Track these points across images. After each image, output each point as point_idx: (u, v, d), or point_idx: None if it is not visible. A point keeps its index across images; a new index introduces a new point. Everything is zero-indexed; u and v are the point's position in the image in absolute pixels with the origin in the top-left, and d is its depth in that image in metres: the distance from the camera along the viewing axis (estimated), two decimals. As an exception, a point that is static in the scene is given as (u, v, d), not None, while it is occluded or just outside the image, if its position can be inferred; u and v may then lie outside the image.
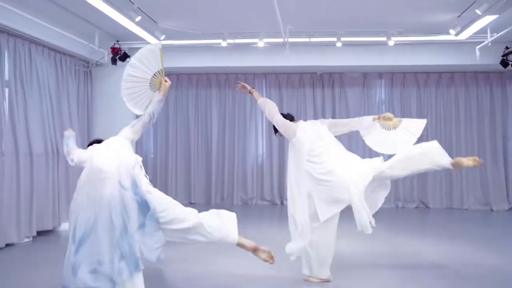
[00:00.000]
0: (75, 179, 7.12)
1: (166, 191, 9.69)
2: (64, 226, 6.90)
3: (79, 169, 7.26)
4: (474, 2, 5.88)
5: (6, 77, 5.92)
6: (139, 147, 9.48)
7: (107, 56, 8.00)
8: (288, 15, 6.50)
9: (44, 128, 6.59)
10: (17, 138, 5.95)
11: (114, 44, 8.07)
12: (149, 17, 6.69)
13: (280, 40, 7.61)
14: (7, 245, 5.74)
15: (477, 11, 5.74)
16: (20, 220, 5.96)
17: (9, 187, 5.81)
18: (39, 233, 6.39)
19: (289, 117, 4.46)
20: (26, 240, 6.08)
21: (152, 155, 9.79)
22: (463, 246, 5.87)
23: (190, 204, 9.50)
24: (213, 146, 9.57)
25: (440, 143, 8.87)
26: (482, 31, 7.08)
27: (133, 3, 6.03)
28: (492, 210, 8.87)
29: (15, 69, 6.06)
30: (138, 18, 6.21)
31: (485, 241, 6.30)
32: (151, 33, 7.38)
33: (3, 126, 5.73)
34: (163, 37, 7.26)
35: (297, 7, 6.30)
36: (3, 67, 5.85)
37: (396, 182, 9.22)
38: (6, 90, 5.88)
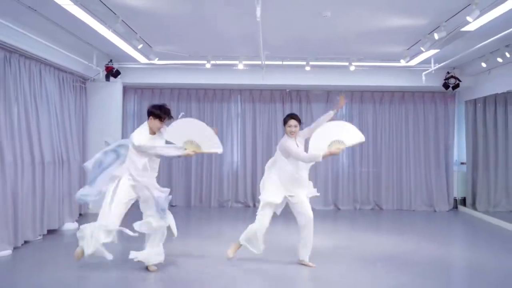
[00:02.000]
0: (75, 184, 8.08)
1: (149, 194, 10.57)
2: (67, 226, 7.77)
3: (79, 175, 8.18)
4: (419, 40, 7.19)
5: (23, 94, 6.74)
6: (124, 154, 10.37)
7: (101, 73, 8.91)
8: (266, 43, 7.57)
9: (52, 139, 7.43)
10: (33, 148, 6.80)
11: (108, 63, 8.99)
12: (147, 43, 7.66)
13: (257, 62, 8.73)
14: (25, 242, 6.59)
15: (421, 48, 7.04)
16: (35, 220, 6.82)
17: (27, 191, 6.63)
18: (48, 231, 7.25)
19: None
20: (39, 237, 6.94)
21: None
22: (410, 240, 7.14)
23: (171, 206, 10.44)
24: (193, 154, 10.56)
25: (392, 152, 10.30)
26: (427, 60, 8.44)
27: (136, 32, 7.01)
28: (435, 211, 10.27)
29: (30, 87, 6.90)
30: (140, 46, 7.19)
31: (428, 236, 7.63)
32: (145, 55, 8.35)
33: (22, 138, 6.58)
34: (156, 59, 8.26)
35: (274, 37, 7.38)
36: (23, 85, 6.69)
37: (354, 187, 10.53)
38: (23, 106, 6.71)
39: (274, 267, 5.48)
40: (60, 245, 6.83)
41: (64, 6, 5.57)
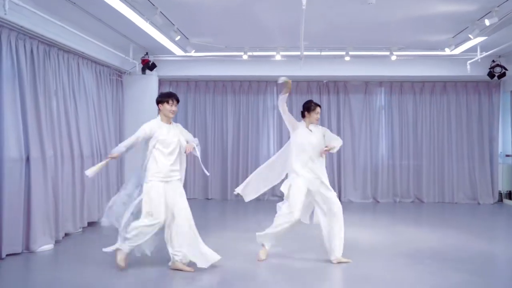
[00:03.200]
0: (113, 177, 8.10)
1: (185, 188, 10.57)
2: (107, 219, 7.79)
3: (116, 168, 8.19)
4: (467, 27, 6.87)
5: (62, 88, 6.73)
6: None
7: (137, 66, 8.87)
8: (306, 32, 7.31)
9: (90, 132, 7.44)
10: (72, 142, 6.80)
11: (144, 55, 8.95)
12: (184, 35, 7.56)
13: (295, 53, 8.53)
14: (66, 234, 6.60)
15: (470, 35, 6.73)
16: (76, 213, 6.85)
17: (67, 185, 6.65)
18: (89, 224, 7.28)
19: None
20: (79, 230, 6.96)
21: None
22: (455, 234, 6.87)
23: (207, 199, 10.44)
24: (229, 147, 10.48)
25: (433, 144, 9.99)
26: (472, 49, 8.10)
27: (173, 24, 6.91)
28: (479, 204, 9.94)
29: (68, 81, 6.90)
30: (178, 38, 7.10)
31: (474, 230, 7.34)
32: (182, 47, 8.26)
33: (62, 132, 6.58)
34: (193, 51, 8.15)
35: (315, 26, 7.14)
36: (62, 79, 6.68)
37: (394, 180, 10.27)
38: (62, 99, 6.70)
39: (311, 264, 5.31)
40: (100, 237, 6.80)
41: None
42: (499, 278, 5.06)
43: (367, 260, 5.39)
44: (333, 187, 10.10)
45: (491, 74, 8.96)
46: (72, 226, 6.77)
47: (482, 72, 9.06)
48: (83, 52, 7.21)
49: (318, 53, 8.70)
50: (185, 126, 10.47)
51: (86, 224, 7.17)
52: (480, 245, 6.23)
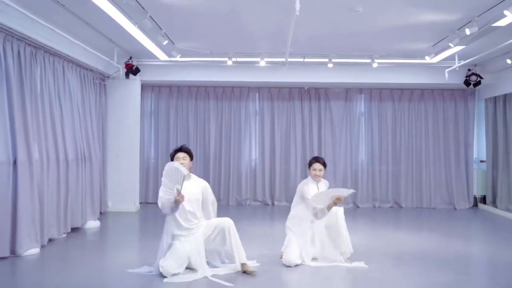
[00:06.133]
0: (97, 182, 8.02)
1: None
2: (89, 224, 7.71)
3: (100, 172, 8.11)
4: (447, 36, 7.11)
5: (48, 91, 6.65)
6: (141, 152, 10.27)
7: (121, 70, 8.84)
8: (291, 40, 7.44)
9: (75, 136, 7.37)
10: (57, 146, 6.73)
11: (128, 60, 8.93)
12: (170, 39, 7.58)
13: (279, 59, 8.65)
14: (50, 240, 6.50)
15: (450, 44, 6.95)
16: (60, 218, 6.76)
17: (52, 189, 6.56)
18: (72, 229, 7.19)
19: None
20: (63, 235, 6.87)
21: (153, 160, 10.62)
22: (436, 237, 7.10)
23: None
24: (211, 152, 10.49)
25: (411, 150, 10.25)
26: (451, 57, 8.36)
27: (161, 28, 6.93)
28: (455, 209, 10.20)
29: (54, 84, 6.83)
30: (165, 42, 7.11)
31: (453, 233, 7.60)
32: (167, 52, 8.29)
33: (48, 135, 6.50)
34: (179, 56, 8.17)
35: (301, 33, 7.18)
36: (48, 82, 6.61)
37: (373, 185, 10.46)
38: (48, 102, 6.63)
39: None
40: (85, 243, 6.78)
41: (95, 2, 5.50)
42: (483, 276, 5.27)
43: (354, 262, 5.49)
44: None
45: (467, 82, 9.25)
46: (57, 232, 6.68)
47: (459, 80, 9.34)
48: (68, 55, 7.15)
49: (301, 59, 8.83)
50: (167, 133, 10.53)
51: (69, 230, 7.07)
52: (461, 247, 6.46)
